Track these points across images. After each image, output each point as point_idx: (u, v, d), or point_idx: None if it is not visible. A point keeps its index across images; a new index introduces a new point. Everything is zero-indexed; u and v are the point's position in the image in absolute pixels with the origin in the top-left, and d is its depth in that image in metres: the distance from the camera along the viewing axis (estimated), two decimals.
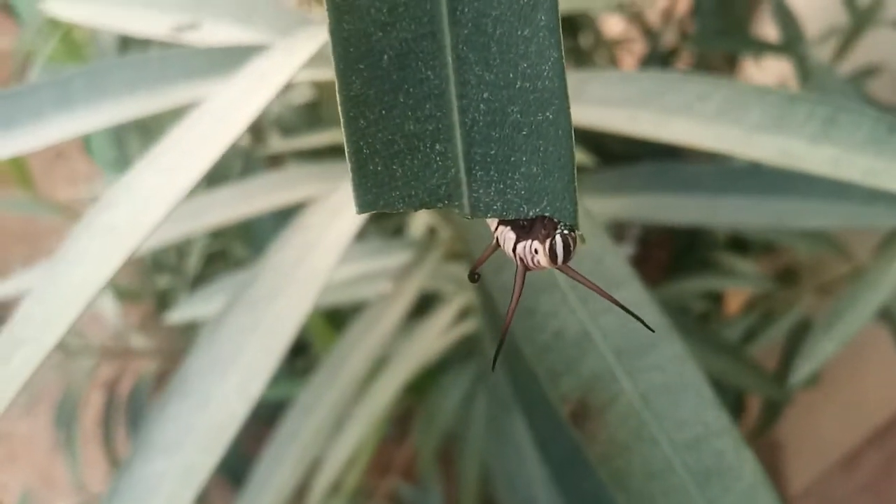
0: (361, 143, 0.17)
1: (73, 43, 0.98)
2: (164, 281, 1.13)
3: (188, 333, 1.07)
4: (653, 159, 0.54)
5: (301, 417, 0.55)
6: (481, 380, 0.83)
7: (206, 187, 0.83)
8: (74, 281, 0.25)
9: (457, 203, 0.19)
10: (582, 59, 1.14)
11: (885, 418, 0.99)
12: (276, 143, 0.88)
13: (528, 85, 0.17)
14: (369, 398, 0.72)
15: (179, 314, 0.66)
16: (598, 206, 0.51)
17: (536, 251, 0.19)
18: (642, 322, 0.20)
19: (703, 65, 1.15)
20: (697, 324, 0.92)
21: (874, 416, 1.01)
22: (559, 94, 0.17)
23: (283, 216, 0.54)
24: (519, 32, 0.16)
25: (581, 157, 0.60)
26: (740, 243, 1.10)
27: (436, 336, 0.72)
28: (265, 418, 0.65)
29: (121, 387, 1.11)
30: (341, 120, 0.17)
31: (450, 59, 0.17)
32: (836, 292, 0.89)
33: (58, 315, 0.24)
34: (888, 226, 0.50)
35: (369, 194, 0.18)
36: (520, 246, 0.20)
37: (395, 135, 0.17)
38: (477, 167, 0.18)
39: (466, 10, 0.16)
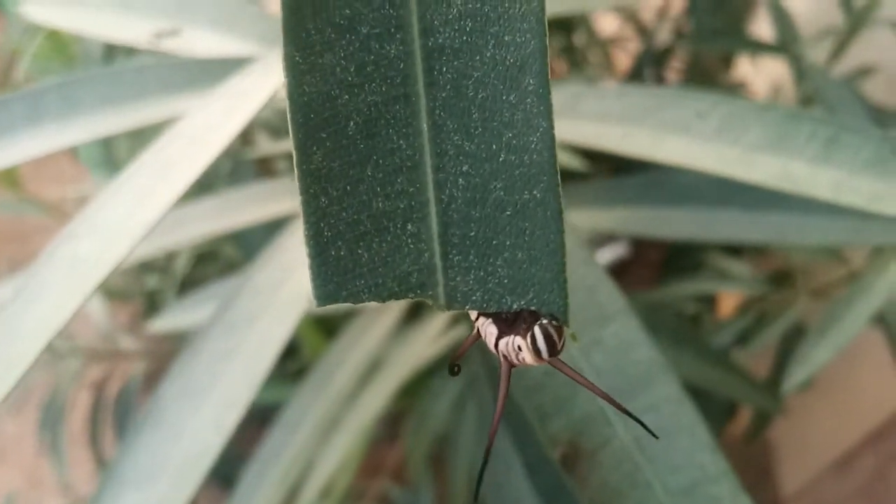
0: (322, 225, 0.15)
1: (59, 41, 0.96)
2: (152, 281, 1.11)
3: (177, 336, 1.05)
4: (649, 168, 0.52)
5: (291, 426, 0.54)
6: (472, 386, 0.82)
7: (195, 192, 0.82)
8: (34, 319, 0.24)
9: (430, 293, 0.16)
10: (576, 58, 1.13)
11: (879, 422, 0.98)
12: (265, 146, 0.86)
13: (513, 158, 0.15)
14: (361, 404, 0.71)
15: (163, 323, 0.65)
16: (591, 219, 0.50)
17: (520, 348, 0.17)
18: (646, 428, 0.18)
19: (698, 64, 1.14)
20: (688, 329, 0.91)
21: (868, 420, 1.00)
22: (548, 169, 0.15)
23: (274, 222, 0.53)
24: (504, 97, 0.14)
25: (575, 162, 0.59)
26: (734, 245, 1.09)
27: (428, 342, 0.71)
28: (255, 419, 0.64)
29: (108, 388, 1.09)
30: (300, 198, 0.15)
31: (425, 127, 0.15)
32: (831, 296, 0.88)
33: (15, 359, 0.23)
34: (889, 242, 0.49)
35: (330, 284, 0.16)
36: (502, 342, 0.18)
37: (361, 214, 0.15)
38: (454, 251, 0.16)
39: (445, 69, 0.15)
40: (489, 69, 0.15)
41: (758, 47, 0.96)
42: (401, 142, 0.15)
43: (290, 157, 0.86)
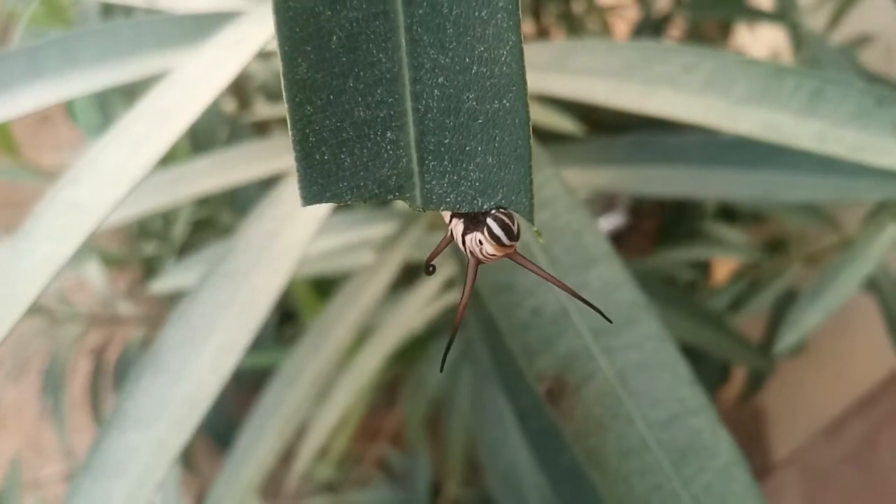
0: (307, 131, 0.17)
1: (54, 6, 0.96)
2: (150, 248, 1.12)
3: (175, 301, 1.06)
4: (642, 129, 0.53)
5: (286, 383, 0.55)
6: (467, 349, 0.83)
7: (191, 154, 0.82)
8: (37, 259, 0.24)
9: (408, 195, 0.18)
10: (574, 25, 1.13)
11: (870, 388, 0.99)
12: (262, 110, 0.86)
13: (484, 70, 0.16)
14: (355, 366, 0.72)
15: (162, 284, 0.66)
16: (584, 177, 0.50)
17: (481, 242, 0.19)
18: (600, 312, 0.19)
19: (697, 32, 1.13)
20: (683, 294, 0.92)
21: (859, 386, 1.01)
22: (517, 80, 0.16)
23: (269, 184, 0.54)
24: (476, 14, 0.15)
25: (570, 125, 0.59)
26: (729, 213, 1.10)
27: (421, 306, 0.72)
28: (254, 386, 0.66)
29: (108, 353, 1.10)
30: (286, 106, 0.16)
31: (403, 41, 0.16)
32: (824, 262, 0.89)
33: (20, 294, 0.24)
34: (875, 199, 0.50)
35: (315, 185, 0.17)
36: (468, 238, 0.19)
37: (343, 122, 0.17)
38: (430, 157, 0.17)
39: None
40: None
41: (756, 15, 0.96)
42: (380, 55, 0.16)
43: (286, 120, 0.87)
